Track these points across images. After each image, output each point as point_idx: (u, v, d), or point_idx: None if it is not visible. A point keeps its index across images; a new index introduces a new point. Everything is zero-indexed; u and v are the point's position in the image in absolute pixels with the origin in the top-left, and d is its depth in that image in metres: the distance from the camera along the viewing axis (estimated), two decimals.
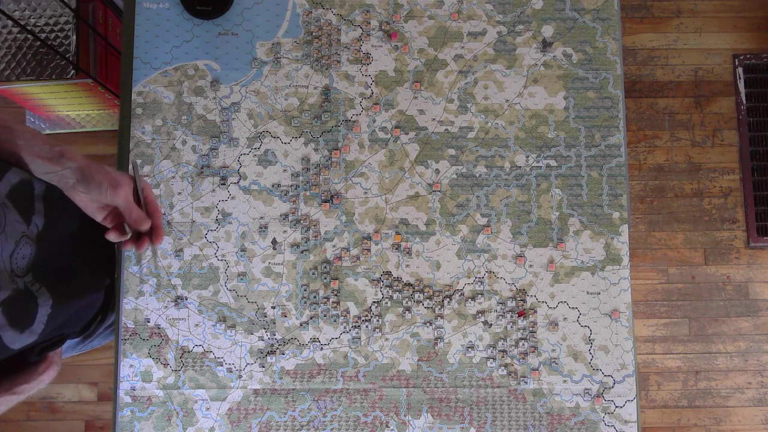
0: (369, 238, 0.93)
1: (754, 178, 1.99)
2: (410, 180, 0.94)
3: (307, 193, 0.93)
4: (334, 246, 0.93)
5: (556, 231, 0.93)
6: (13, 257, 0.68)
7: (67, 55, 1.51)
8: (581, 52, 0.96)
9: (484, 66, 0.96)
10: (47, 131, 1.85)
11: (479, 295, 0.91)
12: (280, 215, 0.93)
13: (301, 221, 0.93)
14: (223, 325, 0.91)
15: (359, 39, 0.96)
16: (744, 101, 2.02)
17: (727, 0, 2.06)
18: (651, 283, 1.96)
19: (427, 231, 0.93)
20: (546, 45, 0.97)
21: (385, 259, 0.92)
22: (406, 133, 0.95)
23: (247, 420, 0.89)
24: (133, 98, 0.95)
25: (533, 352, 0.91)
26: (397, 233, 0.93)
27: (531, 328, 0.91)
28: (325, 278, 0.92)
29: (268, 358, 0.90)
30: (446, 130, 0.95)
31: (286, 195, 0.93)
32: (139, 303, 0.91)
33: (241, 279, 0.91)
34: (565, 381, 0.90)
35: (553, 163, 0.94)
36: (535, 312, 0.91)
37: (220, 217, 0.93)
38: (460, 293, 0.92)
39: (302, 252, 0.92)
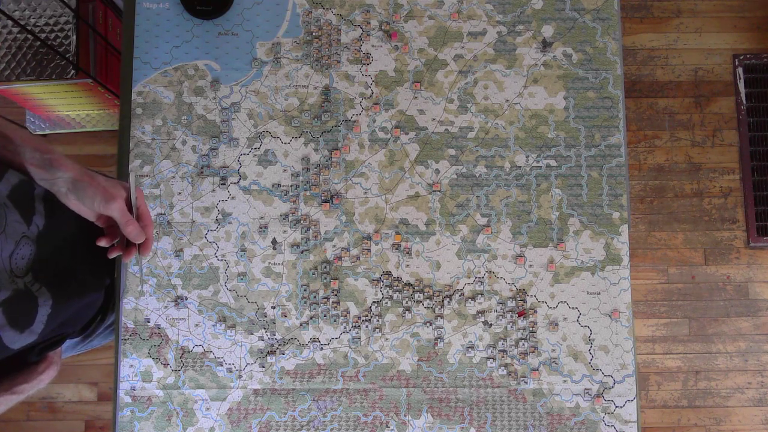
0: (369, 238, 0.93)
1: (754, 178, 1.99)
2: (410, 180, 0.94)
3: (307, 193, 0.93)
4: (334, 246, 0.93)
5: (556, 231, 0.93)
6: (12, 257, 0.68)
7: (67, 55, 1.51)
8: (581, 52, 0.96)
9: (484, 66, 0.96)
10: (47, 131, 1.85)
11: (479, 295, 0.91)
12: (280, 215, 0.93)
13: (301, 221, 0.93)
14: (223, 325, 0.91)
15: (359, 39, 0.96)
16: (744, 101, 2.02)
17: (727, 0, 2.06)
18: (651, 283, 1.96)
19: (427, 231, 0.93)
20: (546, 45, 0.97)
21: (385, 259, 0.92)
22: (406, 133, 0.95)
23: (247, 420, 0.89)
24: (133, 98, 0.95)
25: (533, 352, 0.91)
26: (397, 233, 0.93)
27: (531, 328, 0.91)
28: (325, 278, 0.92)
29: (268, 358, 0.90)
30: (446, 130, 0.95)
31: (286, 195, 0.93)
32: (139, 303, 0.91)
33: (241, 279, 0.91)
34: (565, 381, 0.90)
35: (553, 163, 0.94)
36: (535, 312, 0.91)
37: (220, 217, 0.93)
38: (460, 293, 0.92)
39: (302, 252, 0.92)
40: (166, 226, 0.92)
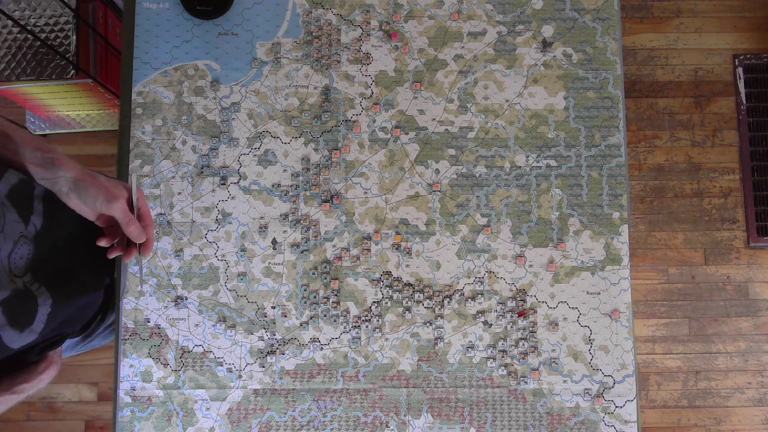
0: (369, 238, 0.93)
1: (754, 178, 1.99)
2: (410, 180, 0.94)
3: (307, 193, 0.93)
4: (334, 246, 0.93)
5: (556, 231, 0.93)
6: (11, 257, 0.68)
7: (67, 55, 1.51)
8: (581, 52, 0.96)
9: (484, 66, 0.96)
10: (47, 131, 1.85)
11: (479, 295, 0.91)
12: (280, 215, 0.93)
13: (301, 221, 0.93)
14: (223, 325, 0.91)
15: (359, 39, 0.96)
16: (744, 101, 2.02)
17: (727, 0, 2.06)
18: (651, 283, 1.96)
19: (427, 231, 0.93)
20: (546, 45, 0.97)
21: (385, 259, 0.92)
22: (406, 133, 0.95)
23: (247, 420, 0.89)
24: (133, 98, 0.95)
25: (533, 352, 0.91)
26: (397, 233, 0.93)
27: (531, 328, 0.91)
28: (325, 278, 0.92)
29: (268, 358, 0.90)
30: (446, 130, 0.95)
31: (286, 195, 0.93)
32: (139, 303, 0.91)
33: (241, 279, 0.91)
34: (565, 381, 0.90)
35: (553, 163, 0.94)
36: (535, 312, 0.91)
37: (220, 217, 0.93)
38: (460, 293, 0.92)
39: (302, 252, 0.92)
40: (166, 226, 0.92)
